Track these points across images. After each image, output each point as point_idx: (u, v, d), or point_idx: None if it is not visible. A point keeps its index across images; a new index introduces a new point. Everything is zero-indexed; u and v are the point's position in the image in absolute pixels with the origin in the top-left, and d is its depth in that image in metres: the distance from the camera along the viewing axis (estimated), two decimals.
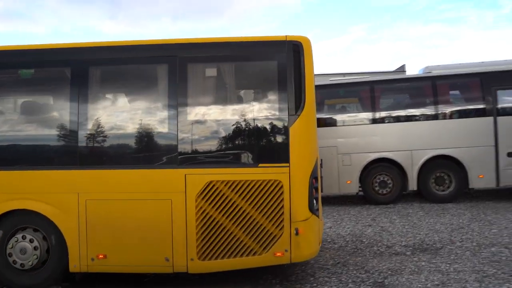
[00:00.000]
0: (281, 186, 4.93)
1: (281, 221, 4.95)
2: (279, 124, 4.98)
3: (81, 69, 5.17)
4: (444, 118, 10.21)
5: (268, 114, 5.05)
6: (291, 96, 4.94)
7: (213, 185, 4.95)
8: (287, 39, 4.99)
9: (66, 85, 5.28)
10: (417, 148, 10.12)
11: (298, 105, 4.93)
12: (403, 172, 10.26)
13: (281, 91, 5.00)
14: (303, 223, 4.96)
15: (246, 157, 5.10)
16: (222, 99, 5.25)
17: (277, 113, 5.01)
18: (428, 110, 10.40)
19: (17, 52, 5.37)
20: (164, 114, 5.14)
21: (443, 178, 10.21)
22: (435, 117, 10.29)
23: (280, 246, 4.96)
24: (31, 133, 5.44)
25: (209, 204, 4.96)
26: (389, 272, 5.44)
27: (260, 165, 4.99)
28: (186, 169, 4.99)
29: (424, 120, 10.31)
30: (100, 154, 5.24)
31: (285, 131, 4.94)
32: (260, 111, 5.08)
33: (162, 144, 5.19)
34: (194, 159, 5.12)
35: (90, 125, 5.20)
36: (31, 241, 5.17)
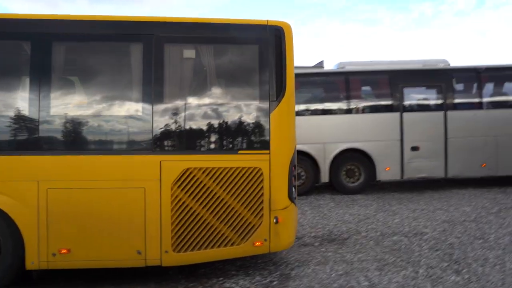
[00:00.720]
0: (261, 174, 4.79)
1: (261, 210, 4.81)
2: (260, 110, 4.84)
3: (43, 44, 4.67)
4: (356, 113, 10.56)
5: (249, 100, 4.90)
6: (272, 82, 4.82)
7: (190, 173, 4.69)
8: (268, 24, 4.87)
9: (25, 61, 4.75)
10: (330, 141, 10.37)
11: (279, 91, 4.82)
12: (315, 164, 10.42)
13: (261, 76, 4.87)
14: (283, 211, 4.86)
15: (225, 143, 4.89)
16: (200, 82, 5.00)
17: (257, 99, 4.86)
18: (341, 105, 10.69)
19: None
20: (138, 95, 4.79)
21: (353, 171, 10.56)
22: (347, 111, 10.60)
23: (259, 236, 4.83)
24: None
25: (185, 193, 4.70)
26: (296, 264, 5.47)
27: (240, 152, 4.82)
28: (161, 156, 4.69)
29: (337, 114, 10.59)
30: (63, 137, 4.75)
31: (265, 117, 4.81)
32: (240, 96, 4.91)
33: (135, 128, 4.82)
34: (170, 144, 4.83)
35: (52, 105, 4.70)
36: None
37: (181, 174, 4.68)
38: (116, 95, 4.85)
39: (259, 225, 4.82)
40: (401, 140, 10.31)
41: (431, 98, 10.82)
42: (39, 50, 4.67)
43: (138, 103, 4.78)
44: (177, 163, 4.70)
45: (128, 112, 4.80)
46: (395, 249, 5.96)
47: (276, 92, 4.81)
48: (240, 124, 4.87)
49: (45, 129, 4.67)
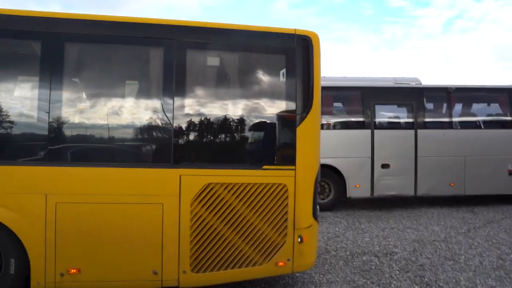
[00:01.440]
0: (286, 191, 4.56)
1: (284, 228, 4.58)
2: (286, 123, 4.61)
3: (55, 45, 4.28)
4: (327, 129, 10.40)
5: (274, 112, 4.65)
6: (299, 94, 4.59)
7: (211, 188, 4.41)
8: (296, 33, 4.63)
9: (34, 64, 4.35)
10: None
11: (306, 104, 4.60)
12: None
13: (288, 88, 4.63)
14: (307, 230, 4.65)
15: (249, 158, 4.64)
16: (224, 92, 4.71)
17: (284, 111, 4.63)
18: None
19: None
20: (158, 104, 4.47)
21: (323, 187, 10.39)
22: None
23: (282, 255, 4.59)
24: None
25: (206, 209, 4.41)
26: (263, 285, 5.23)
27: (264, 167, 4.57)
28: (182, 169, 4.38)
29: None
30: (75, 147, 4.40)
31: (292, 131, 4.58)
32: (266, 108, 4.67)
33: (154, 139, 4.51)
34: (191, 158, 4.53)
35: (63, 113, 4.33)
36: None
37: (202, 190, 4.39)
38: (134, 103, 4.52)
39: (283, 244, 4.58)
40: (372, 158, 10.20)
41: (402, 116, 10.84)
42: (50, 52, 4.28)
43: (157, 112, 4.46)
44: (198, 178, 4.40)
45: (146, 121, 4.47)
46: (365, 270, 5.81)
47: (303, 105, 4.59)
48: (265, 137, 4.63)
49: (54, 138, 4.29)
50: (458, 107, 10.94)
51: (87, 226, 4.26)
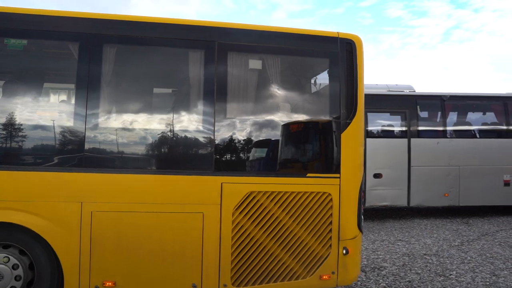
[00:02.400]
0: (330, 200, 4.36)
1: (329, 239, 4.37)
2: (331, 130, 4.42)
3: (93, 46, 4.11)
4: None
5: (318, 118, 4.49)
6: (343, 100, 4.42)
7: (254, 197, 4.21)
8: (340, 36, 4.48)
9: (71, 64, 4.18)
10: None
11: (350, 110, 4.42)
12: None
13: (332, 93, 4.47)
14: (352, 241, 4.43)
15: (293, 165, 4.44)
16: (266, 97, 4.54)
17: (328, 117, 4.46)
18: None
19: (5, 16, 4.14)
20: (198, 108, 4.29)
21: None
22: None
23: (326, 268, 4.37)
24: (18, 123, 4.13)
25: (248, 219, 4.20)
26: None
27: (308, 174, 4.37)
28: (223, 177, 4.18)
29: None
30: (112, 153, 4.20)
31: (337, 138, 4.39)
32: (310, 114, 4.50)
33: (194, 145, 4.30)
34: (233, 165, 4.33)
35: (101, 117, 4.14)
36: (13, 267, 3.95)
37: (244, 198, 4.18)
38: (174, 107, 4.33)
39: (327, 256, 4.36)
40: (364, 167, 10.04)
41: (395, 124, 10.61)
42: (89, 52, 4.11)
43: (198, 116, 4.28)
44: (240, 186, 4.20)
45: (186, 126, 4.28)
46: (349, 286, 5.47)
47: (347, 111, 4.42)
48: (309, 144, 4.46)
49: (91, 143, 4.07)
50: (452, 115, 10.80)
51: (124, 236, 4.04)
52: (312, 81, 4.59)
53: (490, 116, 11.19)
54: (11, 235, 3.97)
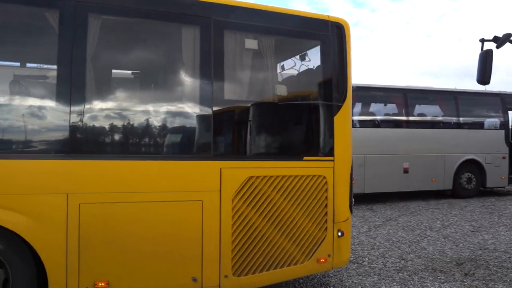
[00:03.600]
0: (325, 183, 4.35)
1: (325, 222, 4.37)
2: (324, 112, 4.39)
3: (76, 16, 3.57)
4: None
5: (312, 101, 4.43)
6: (336, 83, 4.42)
7: (253, 182, 4.04)
8: (330, 20, 4.46)
9: (49, 35, 3.60)
10: None
11: (341, 93, 4.44)
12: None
13: (325, 76, 4.44)
14: (345, 223, 4.48)
15: (290, 148, 4.33)
16: (262, 78, 4.36)
17: (322, 100, 4.42)
18: None
19: None
20: (194, 89, 3.98)
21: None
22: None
23: (323, 251, 4.36)
24: None
25: (248, 205, 4.02)
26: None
27: (305, 158, 4.31)
28: (222, 162, 3.94)
29: None
30: (102, 137, 3.73)
31: (330, 121, 4.38)
32: (304, 97, 4.42)
33: (191, 128, 4.00)
34: (232, 149, 4.11)
35: (88, 97, 3.65)
36: None
37: (243, 184, 4.00)
38: (167, 88, 3.98)
39: (323, 239, 4.36)
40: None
41: None
42: (71, 25, 3.58)
43: (195, 97, 3.98)
44: (239, 171, 4.00)
45: (182, 108, 3.96)
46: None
47: (339, 94, 4.43)
48: (305, 128, 4.39)
49: (77, 126, 3.58)
50: (358, 106, 11.36)
51: (117, 230, 3.63)
52: (305, 64, 4.53)
53: (392, 107, 12.11)
54: None
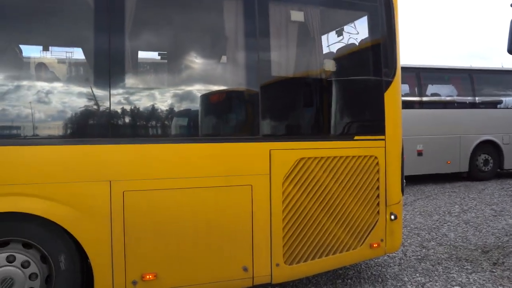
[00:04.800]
0: (377, 163, 4.08)
1: (377, 205, 4.11)
2: (374, 89, 4.09)
3: None
4: None
5: (363, 77, 4.13)
6: (386, 57, 4.13)
7: (303, 164, 3.77)
8: None
9: (84, 14, 3.29)
10: None
11: (391, 68, 4.15)
12: None
13: (374, 49, 4.15)
14: (397, 206, 4.22)
15: (341, 128, 4.06)
16: (310, 52, 4.04)
17: (371, 76, 4.14)
18: None
19: None
20: (240, 66, 3.69)
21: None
22: None
23: (375, 236, 4.11)
24: (22, 85, 3.21)
25: (298, 189, 3.76)
26: None
27: (355, 138, 4.03)
28: (271, 143, 3.66)
29: None
30: (145, 120, 3.43)
31: (380, 98, 4.09)
32: (353, 72, 4.12)
33: (238, 108, 3.72)
34: (281, 129, 3.83)
35: (128, 77, 3.36)
36: (23, 265, 3.08)
37: (293, 166, 3.72)
38: (212, 65, 3.69)
39: (375, 223, 4.10)
40: None
41: None
42: (106, 1, 3.27)
43: (240, 75, 3.69)
44: (290, 153, 3.72)
45: (228, 86, 3.68)
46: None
47: (389, 69, 4.14)
48: (355, 105, 4.10)
49: (118, 108, 3.29)
50: None
51: (163, 219, 3.36)
52: (353, 37, 4.22)
53: (404, 87, 11.45)
54: (19, 228, 3.09)
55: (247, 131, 3.70)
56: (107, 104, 3.22)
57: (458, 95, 12.17)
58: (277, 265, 3.70)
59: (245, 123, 3.73)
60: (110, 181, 3.21)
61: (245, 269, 3.61)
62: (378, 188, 4.09)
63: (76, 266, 3.23)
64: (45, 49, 3.51)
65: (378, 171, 4.08)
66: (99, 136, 3.24)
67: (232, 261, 3.57)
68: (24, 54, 3.51)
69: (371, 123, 4.13)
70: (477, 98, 11.99)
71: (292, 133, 3.87)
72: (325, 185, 3.86)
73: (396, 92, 4.19)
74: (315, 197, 3.82)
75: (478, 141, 11.80)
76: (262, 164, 3.63)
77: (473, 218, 7.35)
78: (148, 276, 3.32)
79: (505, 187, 10.76)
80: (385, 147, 4.10)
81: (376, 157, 4.07)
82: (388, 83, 4.12)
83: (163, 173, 3.36)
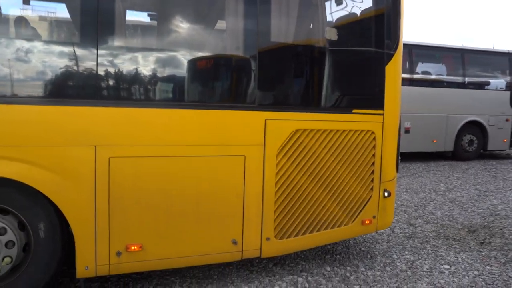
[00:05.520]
0: (374, 138, 3.95)
1: (371, 182, 4.00)
2: (376, 62, 3.91)
3: None
4: None
5: (364, 49, 3.94)
6: (388, 29, 3.93)
7: (299, 136, 3.61)
8: None
9: None
10: None
11: (394, 40, 3.96)
12: None
13: (377, 20, 3.93)
14: (391, 183, 4.12)
15: (339, 100, 3.88)
16: (310, 20, 3.82)
17: (374, 48, 3.94)
18: None
19: None
20: (237, 29, 3.44)
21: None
22: None
23: (368, 213, 4.02)
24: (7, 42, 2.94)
25: (293, 162, 3.60)
26: None
27: (354, 111, 3.87)
28: (267, 112, 3.47)
29: None
30: (136, 81, 3.19)
31: (381, 71, 3.92)
32: (355, 42, 3.92)
33: (233, 73, 3.49)
34: (278, 99, 3.63)
35: (118, 34, 3.10)
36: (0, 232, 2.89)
37: (289, 138, 3.56)
38: (208, 28, 3.43)
39: (369, 199, 4.00)
40: None
41: None
42: None
43: (238, 39, 3.45)
44: (285, 123, 3.55)
45: (224, 50, 3.45)
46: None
47: (391, 41, 3.95)
48: (355, 77, 3.92)
49: (106, 67, 3.04)
50: None
51: (151, 188, 3.17)
52: (357, 5, 4.00)
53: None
54: None
55: (242, 99, 3.50)
56: (93, 63, 2.97)
57: (448, 75, 12.13)
58: (268, 239, 3.58)
59: (241, 90, 3.52)
60: (95, 146, 2.99)
61: (235, 242, 3.48)
62: (373, 164, 3.97)
63: (57, 235, 3.05)
64: (26, 2, 3.24)
65: (374, 147, 3.96)
66: (84, 97, 3.00)
67: (222, 233, 3.43)
68: (3, 10, 3.21)
69: (370, 97, 3.96)
70: (466, 79, 11.97)
71: (289, 103, 3.68)
72: (320, 158, 3.71)
73: (397, 66, 4.02)
74: (309, 171, 3.68)
75: (464, 121, 11.87)
76: (256, 134, 3.45)
77: (458, 197, 7.39)
78: (133, 247, 3.16)
79: (488, 168, 10.90)
80: (383, 122, 3.96)
81: (373, 132, 3.93)
82: (390, 56, 3.95)
83: (152, 139, 3.16)
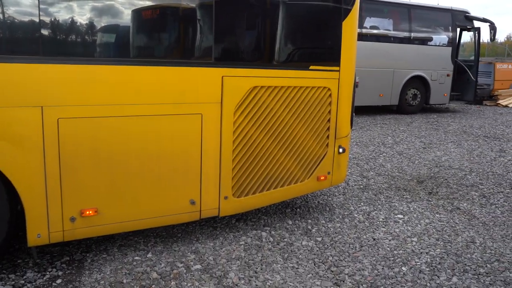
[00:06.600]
0: (330, 95, 3.96)
1: (326, 138, 4.04)
2: (333, 16, 3.84)
3: None
4: None
5: (322, 3, 3.83)
6: None
7: (256, 93, 3.54)
8: None
9: None
10: None
11: None
12: None
13: None
14: (345, 139, 4.19)
15: (296, 56, 3.80)
16: None
17: (330, 2, 3.85)
18: None
19: None
20: None
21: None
22: None
23: (323, 169, 4.09)
24: None
25: (250, 119, 3.55)
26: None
27: (311, 67, 3.82)
28: (224, 69, 3.36)
29: None
30: (84, 35, 2.93)
31: (337, 26, 3.87)
32: None
33: (187, 27, 3.29)
34: (235, 54, 3.49)
35: None
36: None
37: (246, 95, 3.48)
38: None
39: (324, 156, 4.06)
40: None
41: None
42: None
43: None
44: (243, 80, 3.45)
45: (180, 5, 3.23)
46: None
47: None
48: (312, 32, 3.83)
49: (51, 20, 2.78)
50: None
51: (105, 149, 3.02)
52: None
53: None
54: None
55: (198, 55, 3.35)
56: (36, 14, 2.69)
57: (395, 30, 12.34)
58: (226, 198, 3.57)
59: (196, 45, 3.35)
60: (42, 107, 2.77)
61: (193, 203, 3.44)
62: (329, 120, 4.01)
63: (3, 201, 2.87)
64: None
65: (330, 103, 3.98)
66: (27, 53, 2.74)
67: (179, 194, 3.37)
68: None
69: (327, 53, 3.93)
70: (412, 34, 12.25)
71: (247, 59, 3.57)
72: (277, 116, 3.68)
73: (354, 22, 3.99)
74: (266, 128, 3.65)
75: (409, 76, 12.26)
76: (213, 91, 3.34)
77: (405, 150, 7.73)
78: (88, 212, 3.04)
79: (430, 121, 11.42)
80: (338, 79, 3.96)
81: (329, 89, 3.93)
82: (347, 12, 3.90)
83: (104, 98, 2.97)
